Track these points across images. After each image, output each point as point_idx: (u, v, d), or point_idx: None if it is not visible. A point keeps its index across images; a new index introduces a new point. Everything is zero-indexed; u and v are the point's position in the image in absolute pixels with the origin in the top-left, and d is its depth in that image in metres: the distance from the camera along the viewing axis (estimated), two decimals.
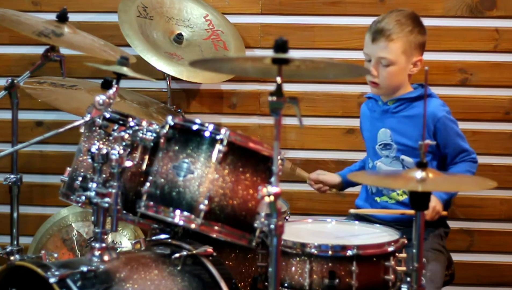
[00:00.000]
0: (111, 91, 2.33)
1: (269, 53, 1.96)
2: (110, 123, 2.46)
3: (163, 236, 2.45)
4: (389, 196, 2.84)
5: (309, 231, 2.57)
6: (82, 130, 2.50)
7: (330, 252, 2.31)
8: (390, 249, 2.36)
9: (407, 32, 2.79)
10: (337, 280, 2.29)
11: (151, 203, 2.31)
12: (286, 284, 2.34)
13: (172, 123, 2.35)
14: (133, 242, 2.47)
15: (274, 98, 1.93)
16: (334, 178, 3.02)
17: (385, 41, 2.77)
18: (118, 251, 2.28)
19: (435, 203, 2.67)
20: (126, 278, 2.17)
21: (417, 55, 2.82)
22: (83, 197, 2.32)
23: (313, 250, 2.31)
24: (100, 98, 2.30)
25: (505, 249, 3.54)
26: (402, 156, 2.83)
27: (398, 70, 2.79)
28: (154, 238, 2.47)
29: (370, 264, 2.33)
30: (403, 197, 2.82)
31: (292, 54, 1.95)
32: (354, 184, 3.01)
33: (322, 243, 2.32)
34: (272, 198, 1.90)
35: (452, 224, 3.03)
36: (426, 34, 2.86)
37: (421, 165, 2.10)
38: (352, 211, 2.82)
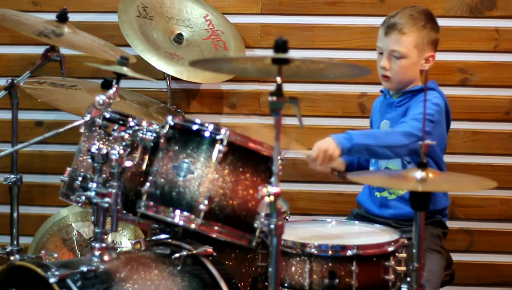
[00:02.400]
0: (111, 91, 2.33)
1: (269, 53, 1.96)
2: (110, 123, 2.46)
3: (163, 236, 2.45)
4: (389, 190, 2.83)
5: (309, 231, 2.57)
6: (82, 130, 2.51)
7: (330, 252, 2.31)
8: (390, 249, 2.36)
9: (419, 27, 2.80)
10: (337, 280, 2.28)
11: (151, 203, 2.31)
12: (286, 284, 2.34)
13: (172, 123, 2.35)
14: (133, 242, 2.47)
15: (274, 98, 1.93)
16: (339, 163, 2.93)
17: (397, 34, 2.78)
18: (118, 251, 2.28)
19: (327, 145, 2.53)
20: (126, 278, 2.17)
21: (430, 50, 2.83)
22: (83, 197, 2.32)
23: (313, 250, 2.31)
24: (100, 98, 2.30)
25: (505, 249, 3.54)
26: None
27: (410, 64, 2.80)
28: (154, 238, 2.47)
29: (370, 264, 2.33)
30: (403, 192, 2.81)
31: (292, 54, 1.95)
32: (356, 169, 2.97)
33: (322, 243, 2.32)
34: (272, 198, 1.90)
35: (452, 224, 3.02)
36: (439, 31, 2.86)
37: (421, 165, 2.10)
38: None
